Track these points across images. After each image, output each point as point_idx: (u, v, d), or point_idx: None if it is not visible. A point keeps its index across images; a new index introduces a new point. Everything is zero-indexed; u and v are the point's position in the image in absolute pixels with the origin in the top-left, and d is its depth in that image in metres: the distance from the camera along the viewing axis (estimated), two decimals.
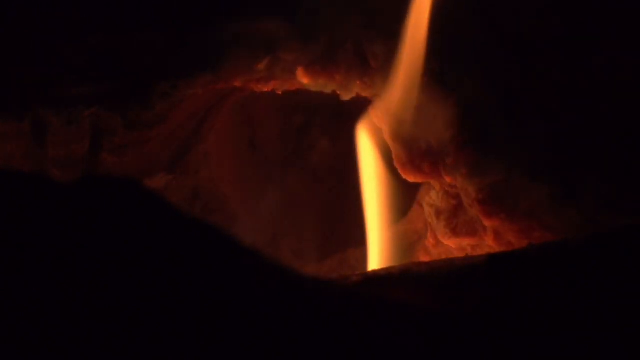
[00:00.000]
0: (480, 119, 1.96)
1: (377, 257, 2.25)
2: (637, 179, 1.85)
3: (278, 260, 0.93)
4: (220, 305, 0.80)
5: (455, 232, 2.09)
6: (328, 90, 2.16)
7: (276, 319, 0.82)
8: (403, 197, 2.30)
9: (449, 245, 2.12)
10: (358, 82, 2.09)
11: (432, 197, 2.13)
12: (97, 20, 2.04)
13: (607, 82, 1.91)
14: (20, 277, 0.77)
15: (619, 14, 1.94)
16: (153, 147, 2.21)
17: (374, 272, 1.56)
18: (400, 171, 2.08)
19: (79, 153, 2.08)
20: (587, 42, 1.94)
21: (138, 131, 2.11)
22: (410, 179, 2.08)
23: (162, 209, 0.90)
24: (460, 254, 2.08)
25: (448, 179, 2.01)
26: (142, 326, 0.75)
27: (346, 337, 0.84)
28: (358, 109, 2.21)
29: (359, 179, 2.27)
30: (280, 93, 2.20)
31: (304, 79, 2.11)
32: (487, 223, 1.95)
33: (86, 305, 0.76)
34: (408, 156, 2.04)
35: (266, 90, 2.18)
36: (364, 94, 2.11)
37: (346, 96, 2.14)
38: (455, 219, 2.09)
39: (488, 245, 2.00)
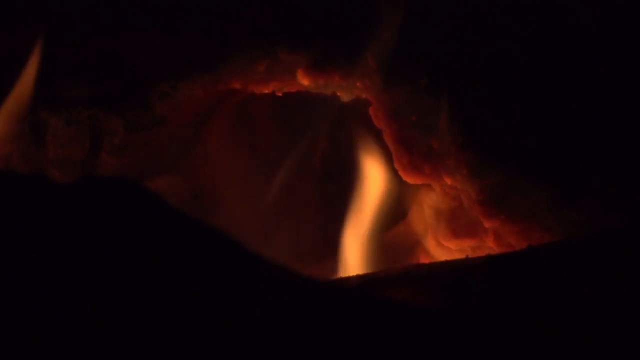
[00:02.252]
0: (481, 121, 1.96)
1: (376, 259, 2.25)
2: (635, 181, 1.85)
3: (278, 261, 0.92)
4: (220, 305, 0.80)
5: (455, 233, 2.09)
6: (328, 91, 2.15)
7: (276, 320, 0.82)
8: (403, 199, 2.30)
9: (449, 247, 2.12)
10: (358, 84, 2.09)
11: (433, 199, 2.13)
12: (97, 21, 2.04)
13: (607, 84, 1.91)
14: (20, 277, 0.77)
15: (618, 16, 1.94)
16: (153, 148, 2.20)
17: (374, 273, 1.56)
18: (400, 172, 2.08)
19: (79, 154, 2.08)
20: (587, 45, 1.94)
21: (138, 132, 2.10)
22: (411, 180, 2.08)
23: (163, 210, 0.90)
24: (461, 256, 2.08)
25: (448, 180, 2.01)
26: (142, 326, 0.75)
27: (346, 338, 0.84)
28: (358, 110, 2.21)
29: (359, 180, 2.27)
30: (280, 94, 2.20)
31: (304, 80, 2.10)
32: (487, 224, 1.95)
33: (86, 304, 0.76)
34: (409, 157, 2.04)
35: (266, 91, 2.18)
36: (364, 95, 2.11)
37: (346, 97, 2.14)
38: (456, 220, 2.09)
39: (488, 246, 2.00)
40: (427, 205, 2.17)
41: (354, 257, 2.25)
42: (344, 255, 2.27)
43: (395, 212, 2.30)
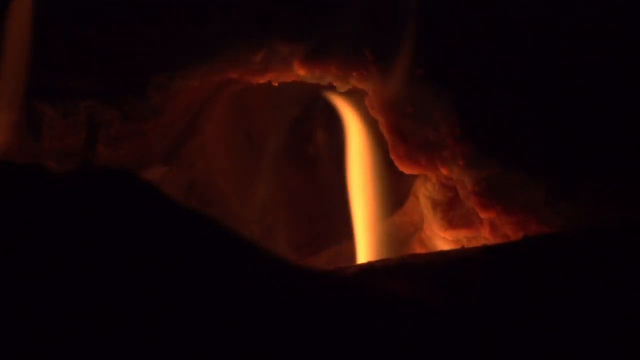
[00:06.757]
0: (478, 113, 1.96)
1: (373, 249, 2.25)
2: (632, 175, 1.86)
3: (274, 252, 0.93)
4: (216, 296, 0.80)
5: (451, 224, 2.09)
6: (324, 82, 2.15)
7: (273, 310, 0.82)
8: (398, 189, 2.30)
9: (445, 237, 2.13)
10: (354, 74, 2.09)
11: (428, 189, 2.14)
12: (93, 13, 2.03)
13: (606, 80, 1.91)
14: (16, 267, 0.77)
15: (618, 14, 1.94)
16: (149, 139, 2.20)
17: (370, 264, 1.56)
18: (396, 163, 2.08)
19: (75, 145, 2.08)
20: (587, 41, 1.94)
21: (134, 123, 2.10)
22: (407, 171, 2.09)
23: (158, 200, 0.90)
24: (456, 246, 2.08)
25: (444, 171, 2.01)
26: (137, 317, 0.75)
27: (342, 328, 0.84)
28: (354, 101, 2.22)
29: (352, 171, 2.28)
30: (276, 85, 2.20)
31: (300, 71, 2.10)
32: (483, 215, 1.96)
33: (81, 296, 0.76)
34: (405, 148, 2.04)
35: (262, 82, 2.18)
36: (360, 85, 2.10)
37: (342, 88, 2.14)
38: (452, 211, 2.09)
39: (484, 237, 2.01)
40: (423, 196, 2.17)
41: (363, 244, 2.26)
42: (357, 242, 2.27)
43: (391, 203, 2.31)
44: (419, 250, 2.24)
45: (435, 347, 0.88)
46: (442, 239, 2.14)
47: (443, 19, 2.01)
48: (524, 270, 1.25)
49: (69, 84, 2.03)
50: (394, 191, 2.27)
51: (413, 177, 2.24)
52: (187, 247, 0.86)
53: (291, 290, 0.88)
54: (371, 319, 0.90)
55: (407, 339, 0.88)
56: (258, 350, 0.77)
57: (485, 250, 1.40)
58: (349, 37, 2.07)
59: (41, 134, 2.06)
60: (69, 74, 2.03)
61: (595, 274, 1.17)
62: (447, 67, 1.99)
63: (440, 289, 1.27)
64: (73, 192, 0.87)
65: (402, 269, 1.42)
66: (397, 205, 2.37)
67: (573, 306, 1.10)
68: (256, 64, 2.10)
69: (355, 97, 2.22)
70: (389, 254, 2.21)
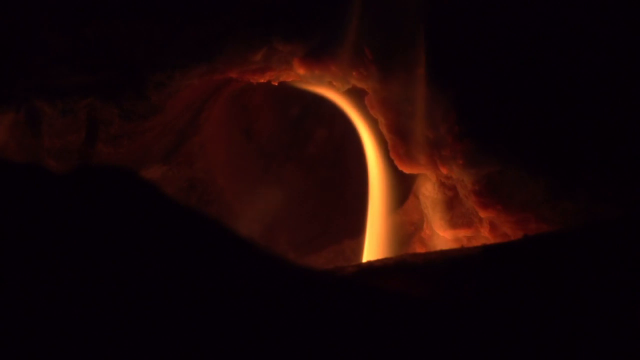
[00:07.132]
0: (478, 112, 1.96)
1: (373, 247, 2.26)
2: (630, 173, 1.86)
3: (274, 251, 0.93)
4: (215, 294, 0.81)
5: (451, 223, 2.10)
6: (324, 81, 2.15)
7: (271, 308, 0.82)
8: (399, 188, 2.30)
9: (445, 236, 2.13)
10: (354, 73, 2.09)
11: (428, 189, 2.14)
12: (93, 11, 2.03)
13: (606, 80, 1.91)
14: (16, 267, 0.77)
15: (618, 14, 1.94)
16: (149, 138, 2.20)
17: (370, 263, 1.56)
18: (396, 162, 2.08)
19: (75, 143, 2.08)
20: (587, 41, 1.94)
21: (134, 122, 2.10)
22: (407, 170, 2.09)
23: (158, 199, 0.90)
24: (456, 245, 2.09)
25: (444, 170, 2.01)
26: (137, 316, 0.76)
27: (342, 327, 0.84)
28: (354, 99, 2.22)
29: (356, 169, 2.28)
30: (276, 84, 2.20)
31: (300, 70, 2.10)
32: (483, 214, 1.96)
33: (82, 293, 0.76)
34: (404, 147, 2.04)
35: (262, 81, 2.18)
36: (360, 85, 2.11)
37: (342, 87, 2.14)
38: (451, 210, 2.09)
39: (484, 236, 2.01)
40: (423, 195, 2.17)
41: (369, 242, 2.27)
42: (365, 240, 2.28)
43: (393, 201, 2.31)
44: (419, 249, 2.24)
45: (435, 347, 0.88)
46: (442, 238, 2.14)
47: (443, 19, 2.01)
48: (524, 269, 1.25)
49: (68, 82, 2.03)
50: (395, 190, 2.27)
51: (413, 177, 2.24)
52: (187, 245, 0.86)
53: (291, 289, 0.88)
54: (371, 319, 0.90)
55: (407, 339, 0.88)
56: (258, 350, 0.77)
57: (485, 249, 1.40)
58: (349, 37, 2.07)
59: (41, 132, 2.05)
60: (69, 72, 2.03)
61: (596, 273, 1.17)
62: (447, 67, 1.99)
63: (439, 288, 1.27)
64: (73, 191, 0.87)
65: (402, 268, 1.42)
66: (397, 205, 2.37)
67: (573, 305, 1.10)
68: (256, 63, 2.10)
69: (355, 96, 2.22)
70: (391, 252, 2.22)
